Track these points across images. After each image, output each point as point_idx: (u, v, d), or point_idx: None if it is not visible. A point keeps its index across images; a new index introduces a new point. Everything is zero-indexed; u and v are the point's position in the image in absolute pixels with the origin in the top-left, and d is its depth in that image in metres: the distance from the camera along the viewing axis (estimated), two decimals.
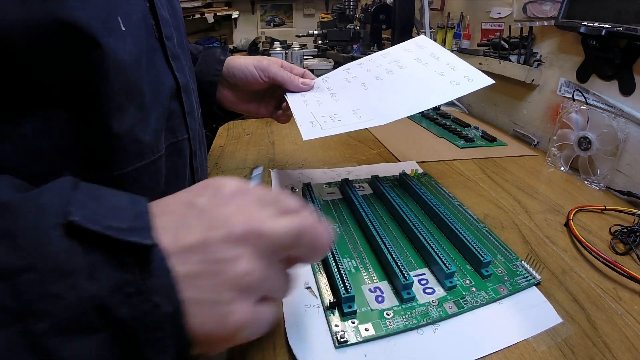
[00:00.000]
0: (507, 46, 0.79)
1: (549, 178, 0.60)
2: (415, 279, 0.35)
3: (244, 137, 0.75)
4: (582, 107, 0.60)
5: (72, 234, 0.16)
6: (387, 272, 0.36)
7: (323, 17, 1.69)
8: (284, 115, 0.55)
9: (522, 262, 0.38)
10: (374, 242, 0.39)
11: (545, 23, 0.70)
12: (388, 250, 0.36)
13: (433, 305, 0.32)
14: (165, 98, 0.32)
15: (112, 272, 0.17)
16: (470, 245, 0.37)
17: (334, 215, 0.46)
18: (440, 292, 0.34)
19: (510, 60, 0.78)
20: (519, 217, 0.47)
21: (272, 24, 2.50)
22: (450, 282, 0.34)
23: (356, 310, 0.31)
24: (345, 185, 0.50)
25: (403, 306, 0.32)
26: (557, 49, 0.69)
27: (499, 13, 0.86)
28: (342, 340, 0.29)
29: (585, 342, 0.30)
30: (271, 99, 0.55)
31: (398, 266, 0.34)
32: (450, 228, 0.41)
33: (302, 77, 0.52)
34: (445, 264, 0.34)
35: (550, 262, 0.39)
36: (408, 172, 0.55)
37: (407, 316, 0.31)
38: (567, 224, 0.45)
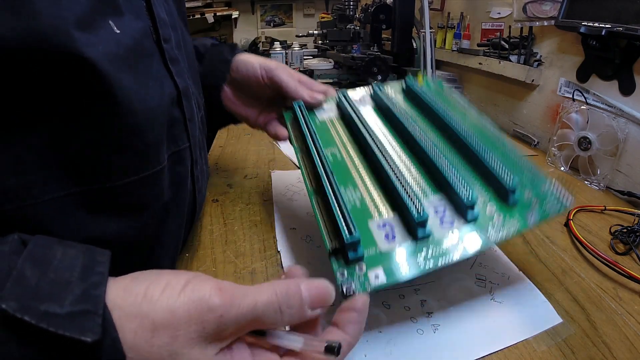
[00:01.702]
0: (507, 46, 0.79)
1: None
2: (431, 209, 0.30)
3: (244, 137, 0.75)
4: (582, 107, 0.60)
5: (7, 322, 0.15)
6: (397, 203, 0.30)
7: (323, 17, 1.69)
8: (283, 134, 0.46)
9: (551, 183, 0.32)
10: (380, 167, 0.32)
11: (545, 23, 0.70)
12: (396, 176, 0.30)
13: (452, 242, 0.28)
14: (164, 106, 0.30)
15: None
16: (492, 169, 0.31)
17: (332, 136, 0.39)
18: (459, 224, 0.29)
19: (510, 60, 0.78)
20: None
21: (272, 24, 2.50)
22: (472, 212, 0.29)
23: (363, 254, 0.27)
24: (343, 99, 0.42)
25: (418, 244, 0.28)
26: (557, 49, 0.69)
27: (499, 13, 0.86)
28: (347, 293, 0.25)
29: (585, 342, 0.30)
30: (273, 110, 0.47)
31: (410, 198, 0.28)
32: (467, 147, 0.33)
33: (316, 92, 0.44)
34: (465, 193, 0.29)
35: (550, 262, 0.39)
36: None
37: (422, 257, 0.27)
38: (567, 224, 0.45)
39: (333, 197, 0.29)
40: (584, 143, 0.59)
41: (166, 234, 0.33)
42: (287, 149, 0.67)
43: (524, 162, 0.33)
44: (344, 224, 0.27)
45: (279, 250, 0.40)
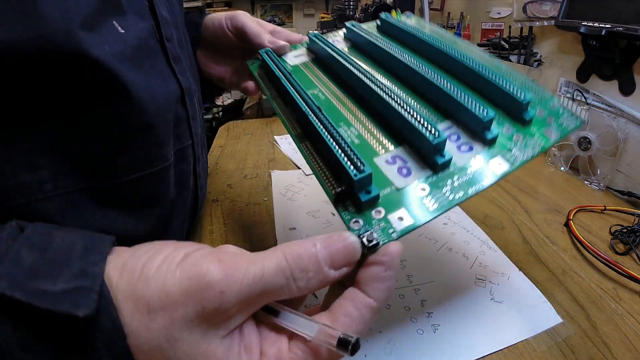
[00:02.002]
0: (507, 46, 0.79)
1: (549, 178, 0.60)
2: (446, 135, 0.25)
3: (244, 137, 0.75)
4: (582, 107, 0.60)
5: (2, 302, 0.15)
6: (404, 133, 0.26)
7: (323, 17, 1.69)
8: (252, 86, 0.44)
9: (560, 99, 0.29)
10: (375, 97, 0.28)
11: (545, 23, 0.70)
12: (399, 103, 0.26)
13: (477, 166, 0.24)
14: (171, 104, 0.31)
15: (47, 347, 0.15)
16: (500, 84, 0.27)
17: (309, 79, 0.35)
18: (479, 148, 0.25)
19: (510, 60, 0.78)
20: (519, 217, 0.47)
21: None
22: (490, 132, 0.25)
23: (378, 194, 0.22)
24: (315, 40, 0.37)
25: (440, 175, 0.23)
26: (557, 49, 0.69)
27: (499, 13, 0.86)
28: (370, 243, 0.20)
29: (585, 342, 0.30)
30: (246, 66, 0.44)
31: (419, 121, 0.24)
32: (467, 68, 0.29)
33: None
34: (479, 109, 0.25)
35: (550, 262, 0.39)
36: None
37: (449, 187, 0.23)
38: (567, 224, 0.45)
39: (327, 134, 0.24)
40: (584, 143, 0.59)
41: (171, 230, 0.33)
42: (287, 149, 0.67)
43: (526, 81, 0.30)
44: (347, 161, 0.22)
45: None
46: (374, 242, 0.20)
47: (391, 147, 0.26)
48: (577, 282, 0.37)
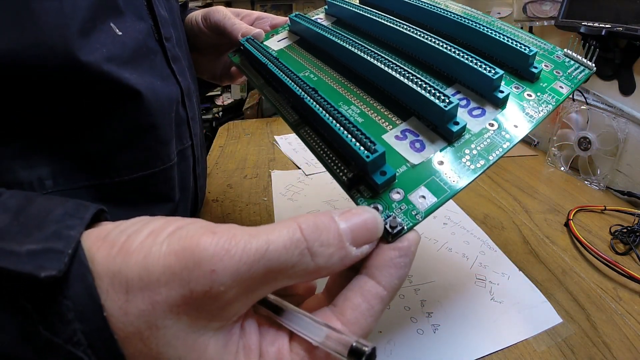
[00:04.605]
0: None
1: (549, 178, 0.60)
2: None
3: (244, 137, 0.75)
4: (582, 107, 0.60)
5: None
6: (410, 105, 0.24)
7: None
8: (231, 74, 0.44)
9: (565, 50, 0.28)
10: (372, 70, 0.26)
11: (545, 23, 0.70)
12: (401, 74, 0.23)
13: (493, 130, 0.22)
14: (173, 104, 0.31)
15: (8, 317, 0.13)
16: (503, 39, 0.25)
17: (298, 61, 0.32)
18: (491, 111, 0.23)
19: None
20: (519, 217, 0.47)
21: None
22: (501, 93, 0.23)
23: (395, 173, 0.20)
24: (298, 20, 0.34)
25: (456, 145, 0.22)
26: None
27: (499, 13, 0.86)
28: (395, 229, 0.18)
29: (585, 342, 0.30)
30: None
31: (426, 89, 0.22)
32: (466, 27, 0.27)
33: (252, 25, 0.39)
34: (486, 68, 0.23)
35: (550, 262, 0.39)
36: None
37: (469, 157, 0.21)
38: (567, 224, 0.45)
39: (328, 116, 0.21)
40: (584, 143, 0.59)
41: None
42: (288, 149, 0.67)
43: (524, 35, 0.28)
44: (356, 142, 0.19)
45: None
46: (398, 227, 0.18)
47: (399, 122, 0.23)
48: (577, 282, 0.37)
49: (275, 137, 0.73)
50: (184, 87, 0.33)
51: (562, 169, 0.62)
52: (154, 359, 0.14)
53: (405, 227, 0.18)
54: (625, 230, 0.43)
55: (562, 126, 0.62)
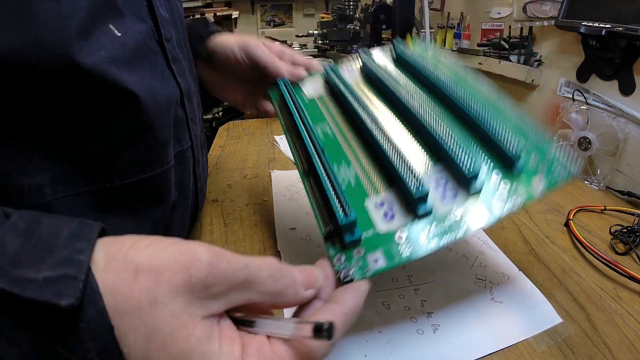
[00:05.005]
0: (507, 46, 0.79)
1: None
2: (432, 183, 0.27)
3: (244, 137, 0.75)
4: (582, 107, 0.60)
5: None
6: (394, 178, 0.28)
7: (323, 17, 1.69)
8: (272, 110, 0.44)
9: (557, 147, 0.29)
10: (373, 140, 0.30)
11: (545, 23, 0.70)
12: (391, 150, 0.28)
13: (457, 217, 0.25)
14: (172, 105, 0.31)
15: (31, 338, 0.14)
16: (495, 135, 0.28)
17: (322, 113, 0.37)
18: (463, 196, 0.26)
19: (510, 60, 0.78)
20: (519, 217, 0.47)
21: (272, 24, 2.50)
22: (475, 183, 0.26)
23: (361, 236, 0.25)
24: (330, 73, 0.39)
25: (419, 222, 0.25)
26: (557, 49, 0.69)
27: (499, 13, 0.86)
28: (345, 279, 0.23)
29: (585, 342, 0.30)
30: (261, 88, 0.45)
31: (407, 172, 0.26)
32: (466, 112, 0.31)
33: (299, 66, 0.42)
34: (467, 163, 0.26)
35: (550, 262, 0.39)
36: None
37: (425, 234, 0.25)
38: (567, 224, 0.45)
39: (325, 177, 0.27)
40: (584, 143, 0.59)
41: (172, 232, 0.33)
42: (287, 149, 0.67)
43: (528, 124, 0.31)
44: (338, 204, 0.24)
45: (279, 250, 0.40)
46: (349, 278, 0.23)
47: (382, 190, 0.28)
48: (577, 282, 0.37)
49: (275, 137, 0.73)
50: (184, 88, 0.33)
51: None
52: (146, 337, 0.16)
53: (355, 279, 0.23)
54: (625, 230, 0.43)
55: (562, 126, 0.62)
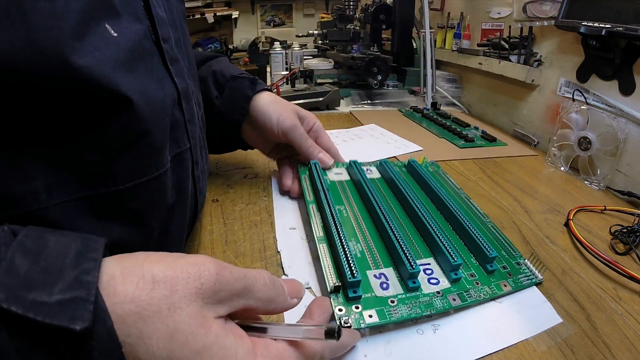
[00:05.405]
0: (507, 46, 0.79)
1: (549, 178, 0.60)
2: (421, 268, 0.35)
3: None
4: (582, 107, 0.60)
5: None
6: (394, 259, 0.36)
7: (323, 17, 1.69)
8: (296, 190, 0.50)
9: (526, 260, 0.37)
10: (381, 226, 0.39)
11: (545, 23, 0.70)
12: (395, 236, 0.36)
13: (437, 297, 0.32)
14: (167, 108, 0.30)
15: (44, 357, 0.15)
16: (476, 239, 0.37)
17: (340, 196, 0.46)
18: (444, 283, 0.34)
19: (510, 60, 0.78)
20: (519, 217, 0.47)
21: (272, 24, 2.51)
22: (456, 274, 0.34)
23: (361, 295, 0.31)
24: (353, 166, 0.50)
25: (408, 295, 0.32)
26: (557, 49, 0.69)
27: (499, 13, 0.86)
28: (345, 324, 0.29)
29: (585, 342, 0.30)
30: (287, 148, 0.53)
31: (405, 253, 0.34)
32: (457, 220, 0.40)
33: (326, 152, 0.51)
34: (451, 256, 0.34)
35: (550, 262, 0.39)
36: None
37: (411, 305, 0.31)
38: (567, 224, 0.45)
39: (340, 245, 0.34)
40: (584, 143, 0.59)
41: (170, 236, 0.33)
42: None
43: (503, 239, 0.41)
44: (347, 266, 0.31)
45: (279, 250, 0.40)
46: (347, 325, 0.29)
47: (382, 266, 0.35)
48: (577, 282, 0.37)
49: None
50: (181, 89, 0.32)
51: (562, 169, 0.62)
52: (169, 337, 0.18)
53: (353, 327, 0.29)
54: (625, 230, 0.43)
55: (562, 126, 0.63)
